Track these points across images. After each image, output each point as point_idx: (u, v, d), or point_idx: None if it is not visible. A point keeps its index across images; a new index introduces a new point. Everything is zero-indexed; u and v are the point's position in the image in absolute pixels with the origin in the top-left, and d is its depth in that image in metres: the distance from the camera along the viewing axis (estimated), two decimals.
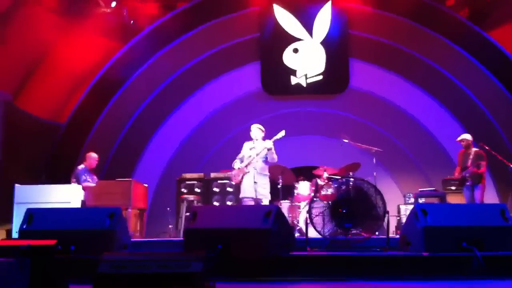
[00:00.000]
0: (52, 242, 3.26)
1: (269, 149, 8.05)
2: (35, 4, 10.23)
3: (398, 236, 6.43)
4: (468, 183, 9.14)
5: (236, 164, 8.28)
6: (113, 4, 11.23)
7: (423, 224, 5.22)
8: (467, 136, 9.38)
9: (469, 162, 9.10)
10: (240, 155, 8.35)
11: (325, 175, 9.39)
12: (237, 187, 8.83)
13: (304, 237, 6.43)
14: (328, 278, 4.86)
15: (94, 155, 9.36)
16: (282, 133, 8.16)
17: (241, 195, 8.23)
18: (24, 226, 5.35)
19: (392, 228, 9.36)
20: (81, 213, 6.02)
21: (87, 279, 4.06)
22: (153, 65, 11.84)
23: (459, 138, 9.40)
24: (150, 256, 2.87)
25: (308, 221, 6.26)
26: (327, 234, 6.16)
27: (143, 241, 8.19)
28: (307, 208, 7.62)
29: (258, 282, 4.81)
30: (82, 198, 8.65)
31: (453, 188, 10.29)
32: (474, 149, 9.25)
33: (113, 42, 11.77)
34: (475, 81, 11.39)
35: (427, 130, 11.79)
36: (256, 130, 8.33)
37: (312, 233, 6.68)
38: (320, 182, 9.32)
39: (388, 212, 6.00)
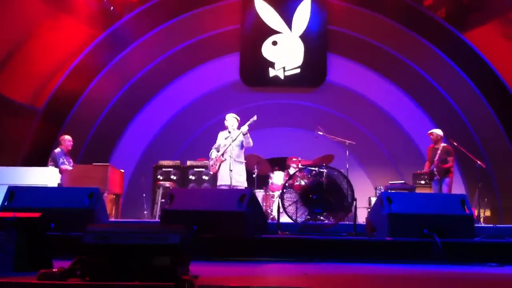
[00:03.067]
0: (36, 214, 3.43)
1: (244, 134, 8.25)
2: None
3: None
4: (436, 178, 9.47)
5: (213, 153, 8.47)
6: None
7: (387, 211, 5.51)
8: (437, 131, 9.70)
9: (437, 157, 9.44)
10: (215, 145, 8.53)
11: (295, 166, 9.64)
12: (213, 176, 9.02)
13: (276, 222, 6.68)
14: (298, 260, 5.12)
15: (68, 137, 9.44)
16: (254, 118, 8.35)
17: (218, 183, 8.43)
18: (6, 203, 5.50)
19: (363, 219, 9.63)
20: (61, 192, 6.17)
21: (67, 255, 4.24)
22: (132, 53, 11.92)
23: (429, 132, 9.74)
24: (131, 229, 3.08)
25: (280, 207, 6.50)
26: (299, 220, 6.40)
27: (120, 221, 8.34)
28: None
29: (231, 262, 5.03)
30: (58, 181, 8.73)
31: (422, 182, 10.61)
32: (442, 145, 9.58)
33: (92, 28, 11.80)
34: (449, 80, 11.75)
35: (400, 126, 12.13)
36: (232, 119, 8.52)
37: (284, 220, 6.93)
38: (292, 170, 9.55)
39: (356, 199, 6.27)
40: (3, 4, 10.16)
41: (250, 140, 8.34)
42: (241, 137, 8.28)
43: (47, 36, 11.08)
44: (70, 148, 9.41)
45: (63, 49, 11.60)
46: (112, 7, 11.78)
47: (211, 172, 8.89)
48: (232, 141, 8.25)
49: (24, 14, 10.50)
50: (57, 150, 9.29)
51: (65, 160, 9.17)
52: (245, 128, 8.24)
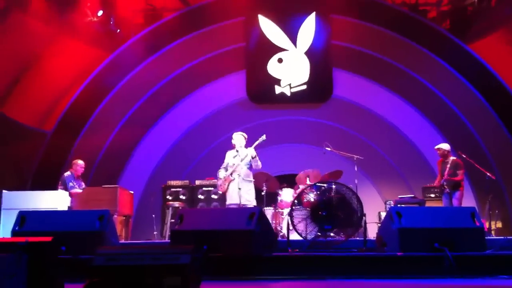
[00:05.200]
0: (48, 239, 3.45)
1: (253, 157, 8.27)
2: (22, 12, 10.36)
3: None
4: (446, 191, 9.43)
5: (221, 173, 8.47)
6: (100, 13, 11.36)
7: (397, 225, 5.50)
8: (444, 146, 9.66)
9: (447, 170, 9.40)
10: (224, 164, 8.54)
11: (307, 181, 9.63)
12: (222, 195, 9.02)
13: (286, 240, 6.66)
14: (308, 277, 5.10)
15: (80, 162, 9.49)
16: (263, 137, 8.37)
17: (227, 202, 8.42)
18: (17, 228, 5.54)
19: (373, 234, 9.58)
20: (72, 216, 6.20)
21: (78, 278, 4.25)
22: (140, 74, 12.02)
23: (436, 147, 9.71)
24: (142, 250, 3.09)
25: (290, 224, 6.49)
26: (309, 237, 6.38)
27: (130, 243, 8.35)
28: None
29: (242, 280, 5.03)
30: (68, 204, 8.77)
31: (432, 195, 10.55)
32: (451, 158, 9.54)
33: (99, 51, 11.93)
34: (456, 92, 11.73)
35: (408, 139, 12.09)
36: (240, 137, 8.53)
37: (294, 237, 6.91)
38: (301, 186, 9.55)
39: (365, 215, 6.25)
40: (11, 29, 10.30)
41: (259, 162, 8.34)
42: (249, 157, 8.28)
43: (55, 59, 11.22)
44: (80, 173, 9.45)
45: (71, 71, 11.73)
46: (118, 30, 11.91)
47: (220, 192, 8.90)
48: (241, 161, 8.25)
49: (31, 38, 10.64)
50: (67, 173, 9.33)
51: (75, 183, 9.21)
52: (252, 151, 8.25)
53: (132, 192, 9.98)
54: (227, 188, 8.36)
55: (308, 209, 6.57)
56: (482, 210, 10.67)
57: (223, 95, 12.28)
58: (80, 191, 9.08)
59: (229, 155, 8.55)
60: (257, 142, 8.33)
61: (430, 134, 11.80)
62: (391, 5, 12.17)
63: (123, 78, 11.97)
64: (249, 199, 8.27)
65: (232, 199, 8.25)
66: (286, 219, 9.11)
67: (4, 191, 8.61)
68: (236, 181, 8.21)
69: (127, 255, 3.02)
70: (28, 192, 8.98)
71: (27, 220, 5.59)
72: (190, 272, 3.02)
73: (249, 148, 8.35)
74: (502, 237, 7.51)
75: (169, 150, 12.28)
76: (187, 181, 11.09)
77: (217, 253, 5.22)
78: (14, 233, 5.49)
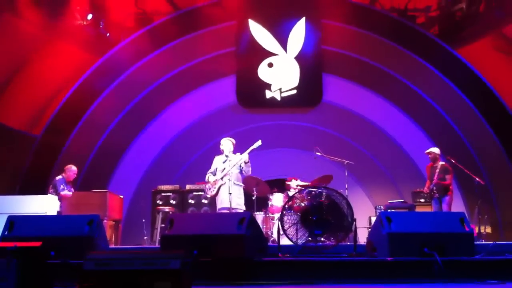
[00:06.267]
0: (37, 243, 3.43)
1: (246, 162, 8.28)
2: (12, 15, 10.31)
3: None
4: (436, 196, 9.49)
5: (210, 178, 8.46)
6: (90, 17, 11.34)
7: (387, 230, 5.52)
8: (435, 150, 9.75)
9: (436, 175, 9.46)
10: (211, 169, 8.55)
11: (294, 183, 9.66)
12: (212, 199, 9.01)
13: (276, 244, 6.67)
14: (299, 282, 5.10)
15: (73, 168, 9.46)
16: (258, 143, 8.38)
17: (218, 206, 8.42)
18: (6, 233, 5.50)
19: (364, 238, 9.60)
20: (61, 220, 6.17)
21: (68, 283, 4.24)
22: (129, 78, 11.98)
23: (427, 151, 9.78)
24: (132, 255, 3.09)
25: (280, 229, 6.49)
26: (299, 242, 6.39)
27: (120, 248, 8.32)
28: None
29: (232, 285, 5.02)
30: (58, 209, 8.73)
31: (422, 200, 10.61)
32: (440, 163, 9.62)
33: (89, 54, 11.89)
34: (444, 97, 11.80)
35: (398, 144, 12.14)
36: (228, 143, 8.56)
37: (285, 242, 6.93)
38: (291, 192, 9.55)
39: (355, 220, 6.27)
40: (0, 31, 10.25)
41: (250, 168, 8.38)
42: (242, 162, 8.29)
43: (44, 62, 11.16)
44: (72, 179, 9.43)
45: (61, 75, 11.68)
46: (108, 33, 11.88)
47: (208, 196, 8.90)
48: (233, 166, 8.25)
49: (20, 41, 10.59)
50: (59, 177, 9.31)
51: (65, 187, 9.19)
52: (246, 157, 8.26)
53: (122, 196, 9.94)
54: (218, 192, 8.37)
55: (298, 214, 6.58)
56: (471, 215, 10.73)
57: (213, 100, 12.28)
58: (70, 193, 9.06)
59: (218, 160, 8.56)
60: (252, 148, 8.35)
61: (420, 139, 11.86)
62: (381, 11, 12.24)
63: (113, 81, 11.93)
64: (240, 203, 8.30)
65: (223, 203, 8.26)
66: (276, 224, 9.11)
67: None
68: (227, 185, 8.21)
69: (117, 260, 3.02)
70: (17, 197, 8.94)
71: (16, 225, 5.55)
72: (180, 277, 3.02)
73: (243, 154, 8.36)
74: (491, 242, 7.56)
75: (159, 154, 12.24)
76: (177, 185, 11.06)
77: (208, 258, 5.21)
78: (3, 238, 5.45)
